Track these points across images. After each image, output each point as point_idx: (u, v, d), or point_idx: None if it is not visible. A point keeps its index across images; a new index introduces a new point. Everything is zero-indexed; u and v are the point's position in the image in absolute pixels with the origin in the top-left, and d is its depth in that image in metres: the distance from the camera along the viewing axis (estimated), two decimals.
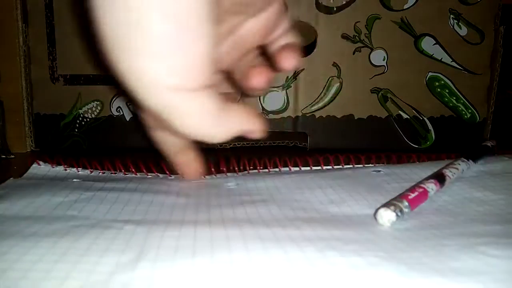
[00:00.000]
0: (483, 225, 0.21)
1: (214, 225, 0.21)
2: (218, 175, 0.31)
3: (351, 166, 0.32)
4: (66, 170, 0.31)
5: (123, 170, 0.31)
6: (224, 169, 0.31)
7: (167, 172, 0.31)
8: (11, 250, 0.18)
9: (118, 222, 0.22)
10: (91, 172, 0.31)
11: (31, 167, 0.31)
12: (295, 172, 0.31)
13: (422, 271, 0.17)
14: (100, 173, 0.31)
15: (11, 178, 0.28)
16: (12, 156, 0.37)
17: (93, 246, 0.19)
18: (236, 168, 0.32)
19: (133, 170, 0.31)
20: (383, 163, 0.32)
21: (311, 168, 0.32)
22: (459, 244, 0.19)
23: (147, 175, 0.31)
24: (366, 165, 0.32)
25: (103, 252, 0.18)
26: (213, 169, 0.31)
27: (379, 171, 0.30)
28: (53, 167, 0.31)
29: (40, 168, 0.31)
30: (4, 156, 0.37)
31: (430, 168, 0.29)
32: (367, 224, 0.22)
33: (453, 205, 0.25)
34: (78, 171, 0.31)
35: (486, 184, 0.27)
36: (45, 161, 0.31)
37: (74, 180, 0.29)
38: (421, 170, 0.30)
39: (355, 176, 0.29)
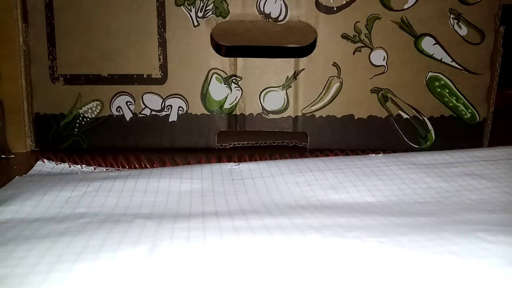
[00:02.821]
0: (478, 213, 0.22)
1: (221, 217, 0.22)
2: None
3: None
4: (70, 167, 0.31)
5: (126, 167, 0.31)
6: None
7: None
8: (29, 254, 0.18)
9: (127, 216, 0.22)
10: (95, 169, 0.31)
11: (36, 165, 0.31)
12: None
13: (423, 254, 0.17)
14: (104, 170, 0.31)
15: (17, 177, 0.28)
16: (12, 156, 0.37)
17: (107, 241, 0.19)
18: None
19: (137, 166, 0.31)
20: None
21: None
22: (458, 230, 0.20)
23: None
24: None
25: (117, 246, 0.18)
26: None
27: (378, 153, 0.31)
28: (57, 164, 0.31)
29: (44, 166, 0.31)
30: (4, 156, 0.37)
31: (430, 155, 0.30)
32: (368, 212, 0.22)
33: (449, 193, 0.25)
34: (82, 168, 0.31)
35: (482, 172, 0.28)
36: (49, 159, 0.31)
37: (79, 172, 0.29)
38: (420, 155, 0.30)
39: (354, 159, 0.30)
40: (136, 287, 0.16)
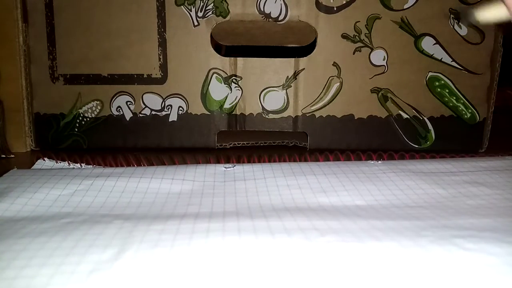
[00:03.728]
0: (471, 218, 0.21)
1: (199, 219, 0.21)
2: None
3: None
4: (69, 165, 0.31)
5: (124, 165, 0.31)
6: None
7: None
8: (2, 256, 0.18)
9: (109, 217, 0.22)
10: (94, 168, 0.31)
11: (36, 163, 0.31)
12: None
13: (392, 262, 0.17)
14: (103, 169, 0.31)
15: (15, 168, 0.28)
16: (12, 156, 0.37)
17: (79, 243, 0.19)
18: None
19: (135, 166, 0.31)
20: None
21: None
22: (437, 236, 0.19)
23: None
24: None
25: (87, 249, 0.18)
26: None
27: (378, 160, 0.30)
28: (57, 163, 0.31)
29: (44, 164, 0.31)
30: (4, 156, 0.37)
31: (431, 163, 0.30)
32: (352, 215, 0.22)
33: (445, 199, 0.25)
34: (82, 167, 0.31)
35: (484, 180, 0.27)
36: (50, 157, 0.32)
37: (74, 166, 0.29)
38: (420, 163, 0.30)
39: (351, 165, 0.30)
40: None
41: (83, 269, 0.17)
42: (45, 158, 0.31)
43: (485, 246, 0.18)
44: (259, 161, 0.32)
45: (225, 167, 0.29)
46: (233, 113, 0.39)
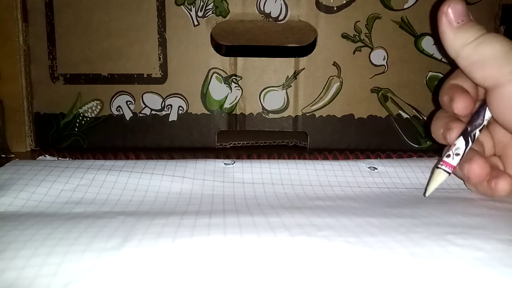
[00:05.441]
0: (462, 216, 0.22)
1: (200, 215, 0.22)
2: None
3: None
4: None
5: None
6: None
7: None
8: (9, 247, 0.18)
9: (111, 213, 0.22)
10: (95, 160, 0.31)
11: (37, 159, 0.31)
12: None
13: (386, 255, 0.18)
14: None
15: (16, 159, 0.28)
16: (12, 156, 0.37)
17: (84, 234, 0.19)
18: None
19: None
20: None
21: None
22: (429, 232, 0.20)
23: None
24: (364, 159, 0.33)
25: (91, 239, 0.19)
26: None
27: (375, 168, 0.30)
28: (58, 159, 0.31)
29: (45, 160, 0.31)
30: (4, 156, 0.37)
31: (424, 174, 0.30)
32: (348, 213, 0.23)
33: (438, 198, 0.25)
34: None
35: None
36: (51, 154, 0.32)
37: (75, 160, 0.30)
38: (416, 178, 0.30)
39: (348, 173, 0.30)
40: (102, 280, 0.16)
41: (89, 257, 0.17)
42: (46, 155, 0.32)
43: (475, 242, 0.19)
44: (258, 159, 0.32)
45: (224, 163, 0.29)
46: (233, 112, 0.39)
